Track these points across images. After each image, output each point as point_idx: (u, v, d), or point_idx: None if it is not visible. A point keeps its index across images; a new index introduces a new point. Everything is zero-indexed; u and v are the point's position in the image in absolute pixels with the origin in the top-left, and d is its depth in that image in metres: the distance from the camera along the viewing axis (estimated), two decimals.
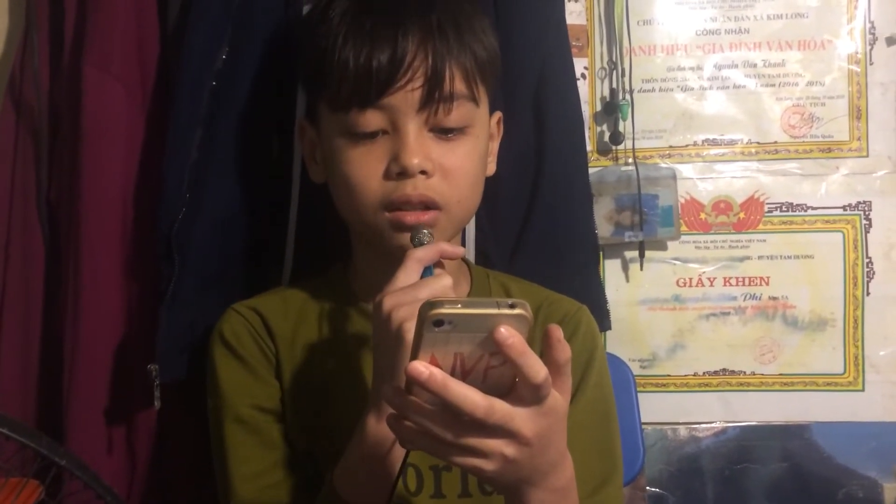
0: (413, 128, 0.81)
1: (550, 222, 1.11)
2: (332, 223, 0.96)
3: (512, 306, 0.57)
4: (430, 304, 0.57)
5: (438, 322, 0.56)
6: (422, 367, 0.58)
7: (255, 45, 1.03)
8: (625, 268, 1.29)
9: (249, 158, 1.03)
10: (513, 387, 0.61)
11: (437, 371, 0.58)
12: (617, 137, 1.26)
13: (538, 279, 1.00)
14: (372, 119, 0.81)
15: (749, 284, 1.28)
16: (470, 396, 0.59)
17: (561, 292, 0.98)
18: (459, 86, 0.82)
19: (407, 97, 0.81)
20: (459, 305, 0.56)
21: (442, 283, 0.74)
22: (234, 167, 1.02)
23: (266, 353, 0.89)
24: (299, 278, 0.98)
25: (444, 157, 0.83)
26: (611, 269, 1.29)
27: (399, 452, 0.72)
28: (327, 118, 0.85)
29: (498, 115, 0.93)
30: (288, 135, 1.04)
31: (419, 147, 0.81)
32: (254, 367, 0.88)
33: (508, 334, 0.57)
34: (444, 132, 0.83)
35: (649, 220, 1.25)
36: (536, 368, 0.59)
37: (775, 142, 1.28)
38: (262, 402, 0.87)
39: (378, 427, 0.73)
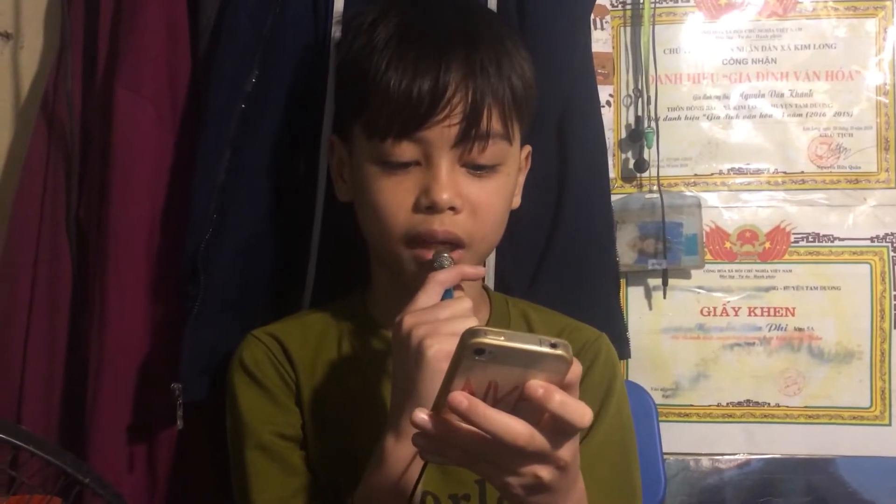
0: (446, 163, 0.81)
1: (571, 249, 1.11)
2: (355, 246, 0.96)
3: (554, 346, 0.57)
4: (472, 332, 0.56)
5: (479, 351, 0.56)
6: (462, 398, 0.58)
7: (284, 68, 1.04)
8: (648, 296, 1.28)
9: (276, 180, 1.04)
10: (542, 417, 0.60)
11: (477, 401, 0.58)
12: (642, 165, 1.26)
13: (558, 306, 1.00)
14: (407, 150, 0.82)
15: (774, 315, 1.27)
16: (511, 426, 0.59)
17: (581, 319, 0.97)
18: (496, 125, 0.83)
19: (444, 132, 0.81)
20: (503, 338, 0.56)
21: (462, 306, 0.74)
22: (260, 189, 1.03)
23: (286, 380, 0.89)
24: (318, 304, 0.98)
25: (474, 194, 0.83)
26: (634, 297, 1.28)
27: (417, 472, 0.72)
28: (361, 143, 0.85)
29: (528, 148, 0.93)
30: (313, 155, 1.05)
31: (451, 182, 0.81)
32: (275, 394, 0.88)
33: (541, 388, 0.57)
34: (476, 168, 0.83)
35: (673, 248, 1.24)
36: (580, 412, 0.60)
37: (802, 172, 1.27)
38: (283, 429, 0.87)
39: (397, 447, 0.73)
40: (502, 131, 0.83)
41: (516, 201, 0.92)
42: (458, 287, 0.80)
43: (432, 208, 0.81)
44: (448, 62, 0.81)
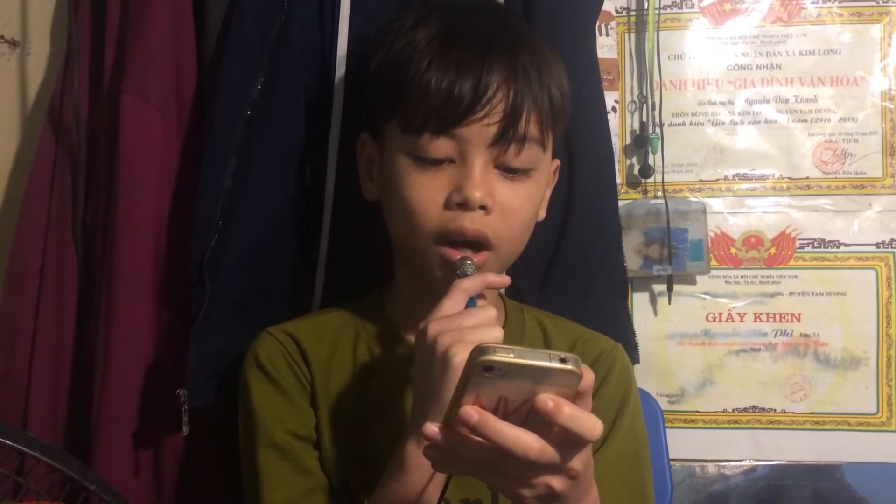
0: (480, 162, 0.82)
1: (579, 255, 1.11)
2: (364, 249, 0.96)
3: (563, 360, 0.57)
4: (481, 350, 0.56)
5: (489, 368, 0.56)
6: (472, 412, 0.58)
7: (290, 74, 1.04)
8: (653, 301, 1.28)
9: (282, 186, 1.04)
10: (553, 429, 0.60)
11: (488, 415, 0.58)
12: (647, 171, 1.26)
13: (567, 311, 1.00)
14: (442, 146, 0.82)
15: (780, 321, 1.27)
16: (522, 439, 0.59)
17: (589, 325, 0.97)
18: (533, 129, 0.83)
19: (482, 131, 0.81)
20: (512, 355, 0.56)
21: (487, 314, 0.74)
22: (266, 195, 1.03)
23: (301, 380, 0.89)
24: (333, 305, 0.98)
25: (505, 197, 0.83)
26: (639, 303, 1.28)
27: (439, 479, 0.72)
28: (395, 138, 0.85)
29: (557, 162, 0.93)
30: (320, 160, 1.05)
31: (483, 182, 0.81)
32: (289, 392, 0.88)
33: (551, 402, 0.57)
34: (509, 171, 0.83)
35: (678, 254, 1.24)
36: (590, 424, 0.59)
37: (807, 177, 1.27)
38: (296, 428, 0.87)
39: (418, 453, 0.72)
40: (538, 136, 0.84)
41: (542, 213, 0.92)
42: (480, 295, 0.80)
43: (464, 206, 0.81)
44: (490, 63, 0.81)
